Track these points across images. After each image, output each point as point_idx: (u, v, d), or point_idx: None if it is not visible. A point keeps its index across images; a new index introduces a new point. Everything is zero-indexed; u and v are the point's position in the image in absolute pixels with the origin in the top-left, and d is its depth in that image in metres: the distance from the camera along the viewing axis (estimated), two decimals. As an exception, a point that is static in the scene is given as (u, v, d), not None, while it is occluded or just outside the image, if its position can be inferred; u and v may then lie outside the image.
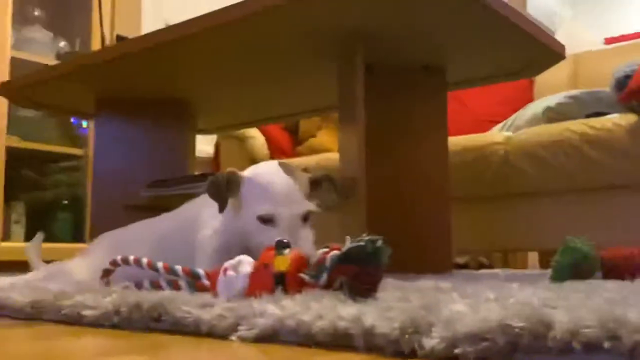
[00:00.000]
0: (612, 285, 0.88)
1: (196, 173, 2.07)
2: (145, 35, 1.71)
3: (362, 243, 0.73)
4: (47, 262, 1.47)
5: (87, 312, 0.82)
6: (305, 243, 1.01)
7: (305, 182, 1.07)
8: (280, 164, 1.08)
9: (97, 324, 0.80)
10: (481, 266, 3.02)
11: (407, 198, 1.68)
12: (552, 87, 2.65)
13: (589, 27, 5.39)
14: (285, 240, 0.80)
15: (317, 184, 1.10)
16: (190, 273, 0.91)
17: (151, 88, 1.98)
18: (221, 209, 1.05)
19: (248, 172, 1.09)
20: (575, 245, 1.07)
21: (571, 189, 1.92)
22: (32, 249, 1.51)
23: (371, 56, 1.58)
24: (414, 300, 0.69)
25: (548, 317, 0.52)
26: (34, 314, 0.89)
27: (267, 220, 1.02)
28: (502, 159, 2.01)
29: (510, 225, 2.03)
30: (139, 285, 0.96)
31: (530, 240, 2.02)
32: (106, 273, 1.02)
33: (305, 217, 1.05)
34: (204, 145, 2.99)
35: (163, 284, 0.93)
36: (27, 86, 1.99)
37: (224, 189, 1.05)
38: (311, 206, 1.04)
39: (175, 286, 0.92)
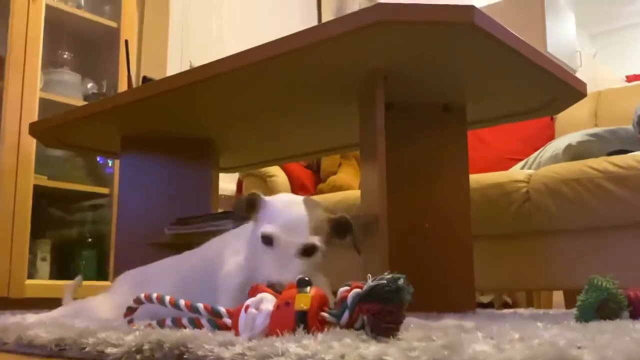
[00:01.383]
0: (639, 325, 0.87)
1: (219, 211, 2.09)
2: (170, 77, 1.75)
3: (384, 281, 0.73)
4: (72, 299, 1.49)
5: (109, 350, 0.82)
6: (292, 274, 0.96)
7: (322, 219, 1.07)
8: (305, 199, 1.10)
9: (119, 361, 0.80)
10: (505, 305, 2.97)
11: (428, 236, 1.67)
12: (573, 125, 2.64)
13: (610, 65, 5.39)
14: (306, 279, 0.80)
15: (337, 226, 1.10)
16: (212, 311, 0.91)
17: (175, 127, 2.01)
18: (237, 225, 1.09)
19: (271, 197, 1.11)
20: (601, 284, 1.05)
21: (595, 227, 1.89)
22: (69, 287, 1.55)
23: (392, 95, 1.60)
24: (437, 340, 0.68)
25: (574, 357, 0.52)
26: (58, 352, 0.90)
27: (267, 240, 1.04)
28: (524, 196, 2.00)
29: (534, 264, 2.01)
30: (161, 323, 0.96)
31: (554, 279, 1.99)
32: (129, 311, 1.02)
33: (308, 251, 1.04)
34: (227, 183, 3.02)
35: (185, 321, 0.93)
36: (55, 127, 2.04)
37: (243, 207, 1.09)
38: (314, 240, 1.04)
39: (197, 324, 0.92)
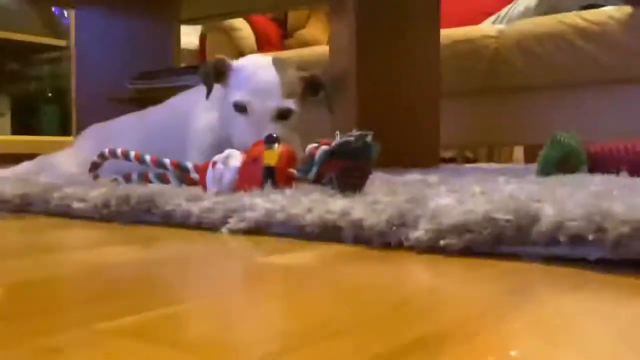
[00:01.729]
0: (598, 179, 0.89)
1: (182, 65, 2.03)
2: None
3: (351, 138, 0.72)
4: (35, 155, 1.47)
5: (76, 205, 0.82)
6: None
7: (293, 80, 1.04)
8: (275, 59, 1.06)
9: (86, 216, 0.81)
10: (467, 160, 3.05)
11: (397, 93, 1.66)
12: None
13: None
14: (274, 135, 0.80)
15: (309, 84, 1.07)
16: (179, 166, 0.90)
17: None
18: (207, 94, 1.04)
19: (238, 61, 1.07)
20: (563, 139, 1.07)
21: (562, 84, 1.90)
22: None
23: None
24: (401, 194, 0.69)
25: (534, 210, 0.53)
26: (22, 207, 0.90)
27: (240, 108, 1.01)
28: (494, 52, 1.98)
29: (500, 120, 2.03)
30: (127, 178, 0.96)
31: (518, 135, 2.03)
32: (94, 166, 1.01)
33: (283, 115, 1.02)
34: (190, 37, 2.90)
35: (151, 177, 0.93)
36: (1, -28, 1.90)
37: (211, 75, 1.04)
38: (288, 104, 1.01)
39: (164, 179, 0.92)
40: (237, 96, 1.01)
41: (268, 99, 1.00)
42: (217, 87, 1.06)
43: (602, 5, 1.94)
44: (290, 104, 1.01)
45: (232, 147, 0.88)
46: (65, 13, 2.72)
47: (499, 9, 2.40)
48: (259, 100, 1.00)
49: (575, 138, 1.07)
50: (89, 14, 1.96)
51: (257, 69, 1.03)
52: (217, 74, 1.05)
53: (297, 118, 1.04)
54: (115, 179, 0.97)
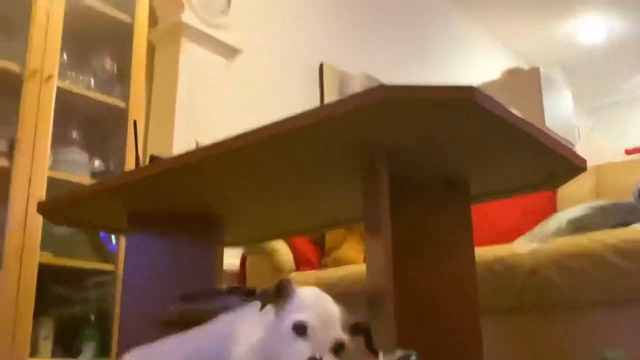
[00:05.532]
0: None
1: (225, 287, 2.09)
2: (176, 156, 1.79)
3: (394, 358, 0.73)
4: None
5: None
6: None
7: (347, 319, 1.07)
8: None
9: None
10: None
11: (436, 311, 1.66)
12: (575, 198, 2.66)
13: (608, 139, 5.49)
14: (318, 357, 0.80)
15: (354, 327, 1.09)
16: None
17: (181, 204, 2.03)
18: (261, 308, 1.06)
19: (301, 287, 1.10)
20: (613, 359, 1.05)
21: (603, 301, 1.88)
22: None
23: (395, 169, 1.62)
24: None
25: None
26: None
27: (300, 330, 1.00)
28: (530, 270, 2.00)
29: (542, 338, 1.98)
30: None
31: (563, 353, 1.96)
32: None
33: (337, 349, 1.02)
34: (231, 258, 3.01)
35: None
36: (62, 205, 2.06)
37: (272, 294, 1.06)
38: (345, 339, 1.02)
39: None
40: (301, 317, 1.01)
41: (331, 327, 1.01)
42: (266, 310, 1.08)
43: (632, 223, 1.98)
44: (346, 339, 1.02)
45: None
46: (113, 239, 2.87)
47: (529, 228, 2.47)
48: (322, 326, 1.01)
49: (624, 357, 1.05)
50: (138, 239, 2.07)
51: (320, 298, 1.06)
52: (278, 294, 1.07)
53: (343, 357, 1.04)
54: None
